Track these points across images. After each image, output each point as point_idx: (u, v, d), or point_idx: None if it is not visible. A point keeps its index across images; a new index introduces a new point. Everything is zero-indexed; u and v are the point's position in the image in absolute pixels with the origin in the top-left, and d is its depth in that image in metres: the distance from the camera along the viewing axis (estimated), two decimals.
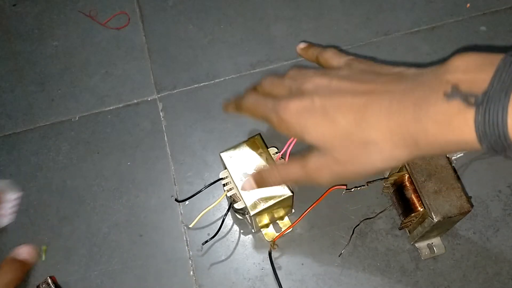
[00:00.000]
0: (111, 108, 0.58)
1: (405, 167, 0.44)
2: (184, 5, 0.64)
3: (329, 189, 0.47)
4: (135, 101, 0.58)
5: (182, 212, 0.52)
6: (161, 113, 0.57)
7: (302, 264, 0.48)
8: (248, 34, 0.61)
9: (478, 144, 0.26)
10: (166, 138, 0.55)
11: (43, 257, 0.50)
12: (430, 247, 0.48)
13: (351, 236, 0.49)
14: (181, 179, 0.53)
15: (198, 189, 0.48)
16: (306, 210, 0.46)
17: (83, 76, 0.60)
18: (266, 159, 0.44)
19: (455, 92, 0.26)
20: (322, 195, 0.47)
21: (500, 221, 0.49)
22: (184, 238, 0.50)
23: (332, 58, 0.39)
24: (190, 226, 0.49)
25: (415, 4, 0.62)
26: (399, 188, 0.46)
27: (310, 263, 0.48)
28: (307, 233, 0.50)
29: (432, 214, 0.41)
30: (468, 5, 0.61)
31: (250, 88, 0.42)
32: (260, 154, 0.45)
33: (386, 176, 0.48)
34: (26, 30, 0.63)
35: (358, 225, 0.49)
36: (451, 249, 0.48)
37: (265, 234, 0.49)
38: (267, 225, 0.49)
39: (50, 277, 0.48)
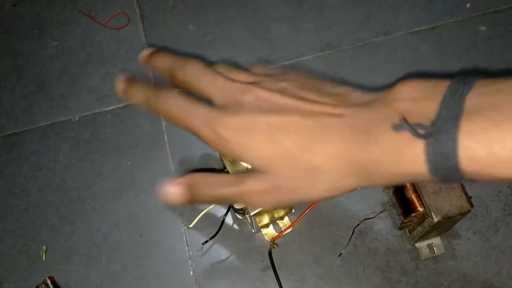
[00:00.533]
0: (111, 108, 0.58)
1: None
2: (184, 5, 0.64)
3: None
4: None
5: (182, 212, 0.52)
6: None
7: (302, 264, 0.48)
8: (248, 34, 0.61)
9: (430, 176, 0.25)
10: (166, 138, 0.55)
11: (43, 257, 0.50)
12: (430, 247, 0.48)
13: (351, 236, 0.49)
14: None
15: None
16: (306, 210, 0.46)
17: (83, 76, 0.60)
18: None
19: (403, 124, 0.24)
20: None
21: (500, 221, 0.49)
22: (184, 238, 0.50)
23: (267, 69, 0.36)
24: (190, 226, 0.49)
25: (415, 4, 0.62)
26: (399, 188, 0.46)
27: (310, 263, 0.48)
28: (307, 233, 0.50)
29: (432, 214, 0.41)
30: (468, 5, 0.61)
31: (158, 60, 0.36)
32: None
33: None
34: (26, 30, 0.63)
35: (358, 225, 0.49)
36: (451, 249, 0.48)
37: (265, 234, 0.49)
38: (267, 225, 0.49)
39: (49, 278, 0.48)
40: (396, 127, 0.25)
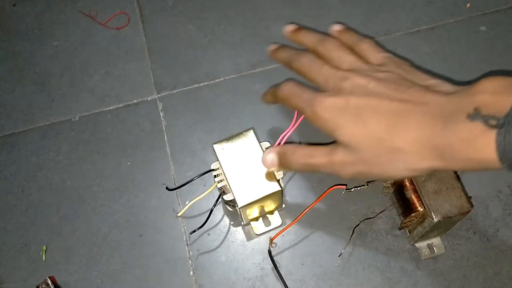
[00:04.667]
0: (111, 108, 0.58)
1: None
2: (184, 5, 0.64)
3: (328, 188, 0.47)
4: (135, 101, 0.58)
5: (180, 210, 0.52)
6: (161, 113, 0.57)
7: (302, 264, 0.48)
8: (248, 34, 0.61)
9: (499, 163, 0.28)
10: (166, 138, 0.55)
11: (43, 257, 0.50)
12: (430, 247, 0.48)
13: (351, 236, 0.49)
14: (181, 179, 0.53)
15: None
16: (306, 210, 0.46)
17: (83, 76, 0.60)
18: (258, 153, 0.45)
19: (477, 115, 0.28)
20: (322, 194, 0.47)
21: (500, 221, 0.49)
22: (184, 238, 0.50)
23: (370, 51, 0.40)
24: (179, 215, 0.50)
25: (415, 4, 0.62)
26: (399, 188, 0.46)
27: (310, 263, 0.48)
28: (307, 233, 0.50)
29: (432, 214, 0.41)
30: (468, 5, 0.61)
31: (287, 57, 0.42)
32: (252, 148, 0.45)
33: None
34: (26, 30, 0.63)
35: (358, 225, 0.49)
36: (451, 249, 0.48)
37: (254, 227, 0.49)
38: (256, 219, 0.50)
39: (50, 278, 0.48)
40: (471, 117, 0.28)
